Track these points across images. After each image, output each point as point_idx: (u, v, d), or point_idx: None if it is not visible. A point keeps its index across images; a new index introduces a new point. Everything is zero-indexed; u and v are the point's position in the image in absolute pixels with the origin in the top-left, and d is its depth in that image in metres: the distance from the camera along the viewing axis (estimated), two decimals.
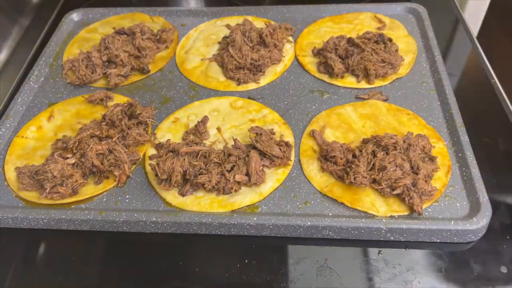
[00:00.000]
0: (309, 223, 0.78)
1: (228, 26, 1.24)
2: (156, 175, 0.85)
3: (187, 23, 1.27)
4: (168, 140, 0.94)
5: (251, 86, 1.07)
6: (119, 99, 1.05)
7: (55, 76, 1.14)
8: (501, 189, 0.86)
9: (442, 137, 0.92)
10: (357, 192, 0.83)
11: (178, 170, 0.83)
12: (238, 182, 0.84)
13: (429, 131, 0.92)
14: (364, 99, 1.02)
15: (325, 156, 0.87)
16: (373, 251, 0.78)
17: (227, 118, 0.99)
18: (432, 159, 0.85)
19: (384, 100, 1.01)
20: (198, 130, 0.95)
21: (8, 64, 1.22)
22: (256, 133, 0.89)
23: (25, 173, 0.88)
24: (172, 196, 0.85)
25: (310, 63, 1.11)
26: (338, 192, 0.83)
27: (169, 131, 0.97)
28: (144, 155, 0.93)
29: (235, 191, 0.84)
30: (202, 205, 0.83)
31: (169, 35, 1.19)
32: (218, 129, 0.97)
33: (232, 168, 0.85)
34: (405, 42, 1.14)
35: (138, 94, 1.08)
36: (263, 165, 0.86)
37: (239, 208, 0.83)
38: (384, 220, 0.78)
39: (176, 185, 0.85)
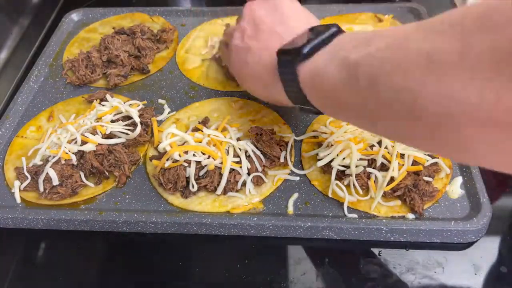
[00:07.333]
0: (309, 224, 0.78)
1: (228, 26, 1.23)
2: (161, 184, 0.85)
3: (187, 23, 1.26)
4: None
5: None
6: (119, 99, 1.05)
7: (55, 76, 1.13)
8: (501, 189, 0.86)
9: None
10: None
11: (183, 175, 0.83)
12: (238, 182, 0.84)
13: None
14: None
15: None
16: (373, 252, 0.78)
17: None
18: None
19: None
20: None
21: (8, 64, 1.22)
22: (256, 133, 0.89)
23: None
24: (173, 197, 0.85)
25: None
26: (338, 192, 0.83)
27: None
28: (144, 155, 0.93)
29: (236, 191, 0.83)
30: (203, 205, 0.83)
31: (169, 35, 1.19)
32: None
33: (233, 169, 0.85)
34: None
35: (138, 94, 1.07)
36: (263, 165, 0.86)
37: (239, 208, 0.83)
38: (384, 221, 0.78)
39: (181, 189, 0.84)
